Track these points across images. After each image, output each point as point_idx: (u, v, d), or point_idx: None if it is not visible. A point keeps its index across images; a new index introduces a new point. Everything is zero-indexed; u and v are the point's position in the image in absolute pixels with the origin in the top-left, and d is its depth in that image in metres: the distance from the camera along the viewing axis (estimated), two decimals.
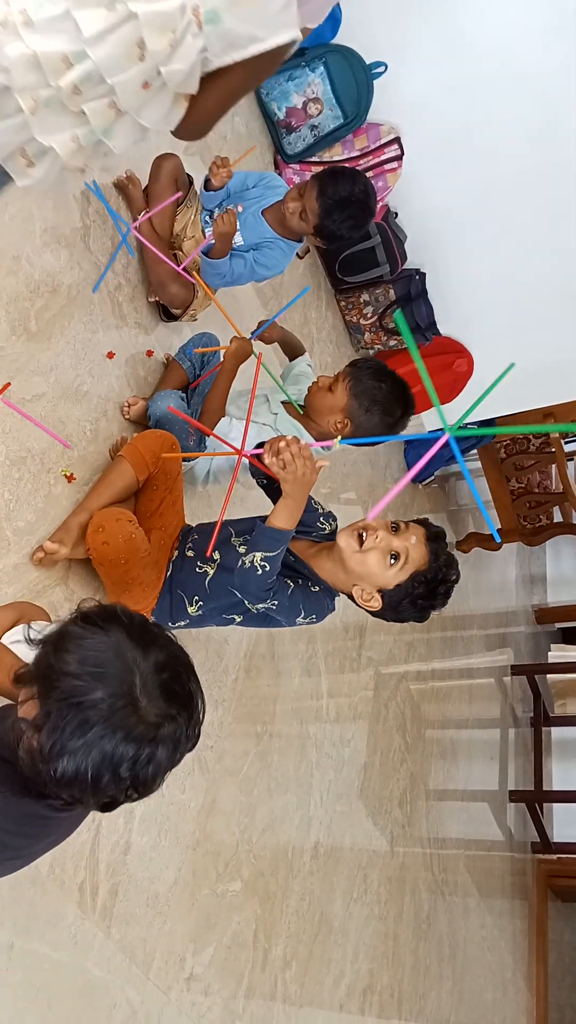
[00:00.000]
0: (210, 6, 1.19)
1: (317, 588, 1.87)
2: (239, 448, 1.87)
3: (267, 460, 1.74)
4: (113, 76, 1.21)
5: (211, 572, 1.98)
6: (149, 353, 2.45)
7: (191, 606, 2.00)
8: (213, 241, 2.36)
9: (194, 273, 2.36)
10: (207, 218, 2.48)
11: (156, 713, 1.08)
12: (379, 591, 1.77)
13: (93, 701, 1.04)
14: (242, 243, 2.47)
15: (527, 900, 5.23)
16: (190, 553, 2.04)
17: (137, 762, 1.06)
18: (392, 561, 1.74)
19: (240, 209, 2.44)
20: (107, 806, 1.11)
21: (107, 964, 1.94)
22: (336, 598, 1.92)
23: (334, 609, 1.92)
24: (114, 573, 1.97)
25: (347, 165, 3.38)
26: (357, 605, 1.84)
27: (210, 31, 1.20)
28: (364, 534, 1.77)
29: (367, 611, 1.84)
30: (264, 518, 1.77)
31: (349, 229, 2.40)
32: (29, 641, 1.15)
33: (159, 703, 1.08)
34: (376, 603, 1.79)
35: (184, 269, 2.34)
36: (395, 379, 2.20)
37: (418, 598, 1.76)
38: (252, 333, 2.39)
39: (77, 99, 1.24)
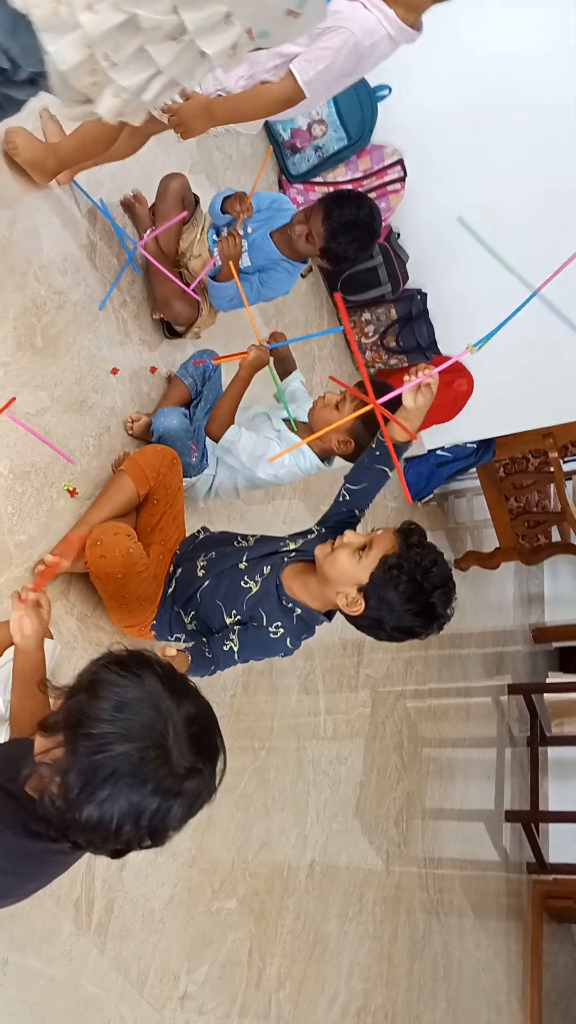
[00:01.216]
0: (261, 27, 1.36)
1: (278, 633, 1.86)
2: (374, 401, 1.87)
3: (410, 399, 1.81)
4: (185, 81, 1.43)
5: (206, 584, 1.99)
6: (153, 369, 2.46)
7: (186, 618, 2.02)
8: (219, 263, 2.39)
9: (230, 265, 2.35)
10: (214, 237, 2.50)
11: (185, 766, 1.08)
12: (360, 592, 1.74)
13: (126, 750, 1.04)
14: (248, 265, 2.49)
15: (522, 921, 5.20)
16: (201, 573, 2.04)
17: (158, 813, 1.06)
18: (360, 555, 1.74)
19: (249, 230, 2.46)
20: (118, 853, 1.11)
21: (101, 981, 1.93)
22: (320, 624, 1.91)
23: (312, 634, 1.91)
24: (111, 587, 1.98)
25: (352, 188, 3.42)
26: (347, 618, 1.82)
27: (260, 41, 1.40)
28: (335, 542, 1.79)
29: (355, 620, 1.80)
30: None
31: (355, 251, 2.42)
32: (54, 688, 1.15)
33: (188, 756, 1.09)
34: (360, 605, 1.75)
35: (194, 286, 2.36)
36: (398, 402, 2.21)
37: (398, 583, 1.68)
38: (269, 346, 2.41)
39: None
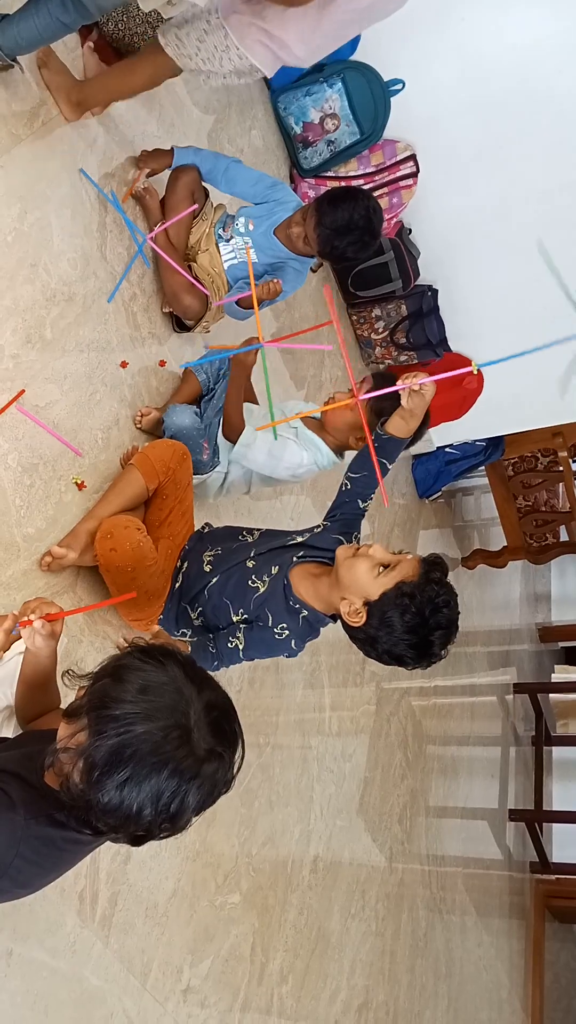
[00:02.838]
0: None
1: (283, 634, 1.85)
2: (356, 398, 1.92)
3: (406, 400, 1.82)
4: None
5: (213, 581, 1.99)
6: (162, 363, 2.46)
7: (193, 613, 2.02)
8: (241, 292, 2.40)
9: (255, 305, 2.34)
10: (220, 232, 2.49)
11: (205, 748, 1.11)
12: (365, 606, 1.72)
13: (148, 729, 1.07)
14: (256, 261, 2.48)
15: (524, 920, 5.20)
16: (208, 568, 2.03)
17: (177, 795, 1.08)
18: (380, 571, 1.71)
19: (251, 227, 2.45)
20: (138, 839, 1.13)
21: (105, 973, 1.93)
22: (325, 625, 1.91)
23: (317, 635, 1.91)
24: (120, 580, 1.97)
25: (351, 185, 3.39)
26: (343, 626, 1.79)
27: None
28: (360, 548, 1.77)
29: (351, 631, 1.78)
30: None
31: (354, 252, 2.38)
32: (78, 677, 1.17)
33: (208, 739, 1.11)
34: (361, 618, 1.72)
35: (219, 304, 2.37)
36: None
37: (406, 612, 1.67)
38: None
39: None
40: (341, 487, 2.00)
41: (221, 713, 1.16)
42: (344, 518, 1.99)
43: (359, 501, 1.98)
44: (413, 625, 1.68)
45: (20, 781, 1.17)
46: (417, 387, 1.81)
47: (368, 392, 2.05)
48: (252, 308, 2.47)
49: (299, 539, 1.99)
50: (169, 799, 1.08)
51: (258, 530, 2.14)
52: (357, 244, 2.37)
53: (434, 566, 1.72)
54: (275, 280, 2.35)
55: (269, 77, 2.13)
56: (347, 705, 3.43)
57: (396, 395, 1.94)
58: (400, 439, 1.93)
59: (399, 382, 1.83)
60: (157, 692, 1.10)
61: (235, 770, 1.17)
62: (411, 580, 1.69)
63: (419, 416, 1.90)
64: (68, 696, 1.60)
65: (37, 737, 1.33)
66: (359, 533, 1.99)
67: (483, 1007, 4.34)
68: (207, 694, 1.15)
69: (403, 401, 1.85)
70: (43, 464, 1.97)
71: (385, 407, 2.18)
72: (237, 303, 2.50)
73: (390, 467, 1.96)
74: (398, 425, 1.91)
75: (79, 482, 2.05)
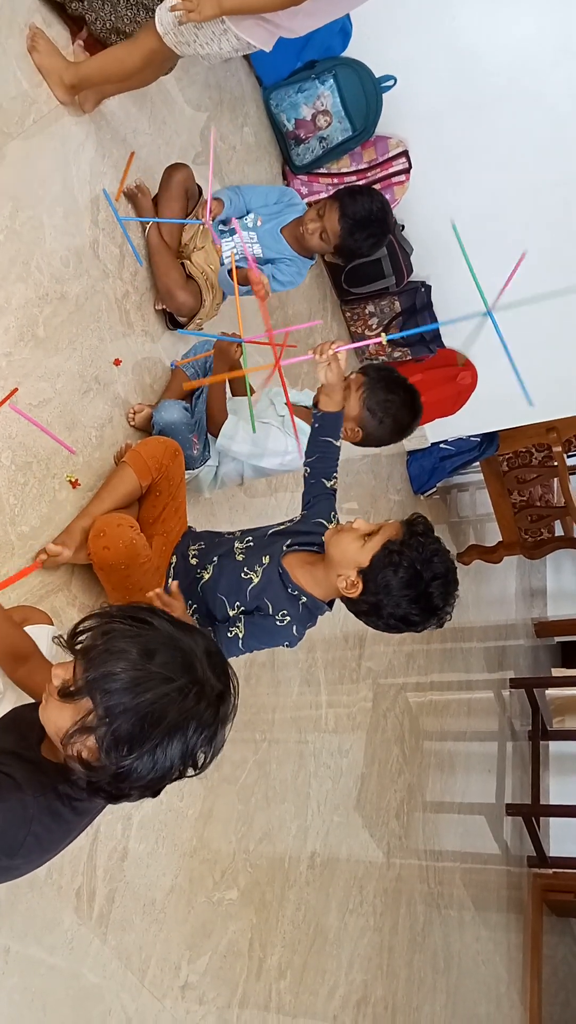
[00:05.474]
0: None
1: (284, 621, 1.86)
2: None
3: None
4: None
5: (206, 577, 1.99)
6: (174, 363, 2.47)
7: (189, 610, 2.02)
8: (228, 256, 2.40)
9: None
10: (220, 227, 2.50)
11: (217, 692, 1.12)
12: (359, 575, 1.74)
13: (166, 692, 1.07)
14: (260, 255, 2.50)
15: (522, 914, 5.21)
16: (194, 561, 2.04)
17: (200, 745, 1.10)
18: (366, 540, 1.75)
19: (259, 223, 2.46)
20: (157, 792, 1.13)
21: (103, 970, 1.94)
22: (323, 613, 1.92)
23: (315, 622, 1.93)
24: (114, 578, 1.98)
25: (360, 183, 3.42)
26: (347, 606, 1.82)
27: None
28: (343, 525, 1.85)
29: (354, 606, 1.80)
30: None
31: (370, 247, 2.46)
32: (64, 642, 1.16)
33: (215, 683, 1.12)
34: (358, 588, 1.74)
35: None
36: (407, 388, 2.29)
37: (398, 568, 1.68)
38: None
39: None
40: (303, 473, 2.06)
41: (217, 652, 1.17)
42: (317, 501, 2.04)
43: (323, 481, 2.03)
44: (408, 579, 1.70)
45: (18, 759, 1.16)
46: (324, 360, 1.90)
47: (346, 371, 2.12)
48: (247, 284, 2.47)
49: (282, 527, 2.02)
50: (196, 749, 1.09)
51: (239, 530, 2.15)
52: (373, 239, 2.47)
53: (415, 523, 1.77)
54: (265, 278, 2.37)
55: (268, 51, 2.14)
56: (343, 701, 3.44)
57: (388, 393, 2.05)
58: (335, 413, 2.01)
59: (314, 355, 1.91)
60: (161, 653, 1.09)
61: (236, 701, 1.18)
62: (396, 536, 1.74)
63: (339, 388, 1.97)
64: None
65: (25, 713, 1.31)
66: (336, 514, 2.04)
67: (481, 1001, 4.35)
68: (199, 640, 1.15)
69: (320, 376, 1.91)
70: (37, 462, 1.97)
71: (374, 407, 2.22)
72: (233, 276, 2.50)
73: (337, 444, 2.03)
74: (324, 401, 2.00)
75: (73, 480, 2.05)
